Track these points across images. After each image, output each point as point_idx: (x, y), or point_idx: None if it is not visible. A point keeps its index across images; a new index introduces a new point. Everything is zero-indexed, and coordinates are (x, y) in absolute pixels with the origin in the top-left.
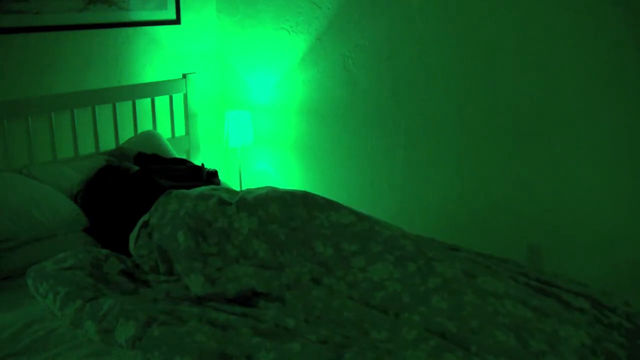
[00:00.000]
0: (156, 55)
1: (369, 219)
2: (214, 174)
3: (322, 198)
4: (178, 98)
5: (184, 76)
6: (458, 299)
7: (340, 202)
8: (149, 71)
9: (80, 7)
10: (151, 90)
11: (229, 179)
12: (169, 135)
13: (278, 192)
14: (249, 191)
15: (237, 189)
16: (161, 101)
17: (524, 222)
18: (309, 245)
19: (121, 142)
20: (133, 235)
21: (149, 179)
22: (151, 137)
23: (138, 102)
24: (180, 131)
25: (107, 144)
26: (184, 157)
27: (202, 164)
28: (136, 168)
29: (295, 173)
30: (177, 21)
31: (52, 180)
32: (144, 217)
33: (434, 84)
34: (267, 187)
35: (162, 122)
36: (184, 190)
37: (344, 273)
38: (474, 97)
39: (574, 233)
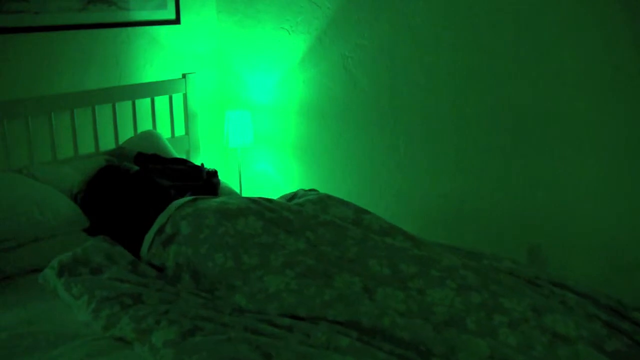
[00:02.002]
0: (156, 55)
1: (427, 245)
2: (213, 174)
3: (375, 222)
4: (178, 98)
5: (184, 76)
6: (527, 339)
7: None
8: (149, 71)
9: (80, 7)
10: (151, 90)
11: (229, 179)
12: (169, 135)
13: (328, 214)
14: (290, 209)
15: (237, 189)
16: (161, 101)
17: (524, 222)
18: (363, 263)
19: (121, 142)
20: (148, 239)
21: (149, 179)
22: (151, 137)
23: (138, 102)
24: (180, 131)
25: (107, 143)
26: (184, 157)
27: (202, 164)
28: (136, 168)
29: (295, 173)
30: (177, 21)
31: (52, 180)
32: (160, 222)
33: (434, 84)
34: (313, 197)
35: (162, 122)
36: (215, 201)
37: (402, 291)
38: (474, 97)
39: (574, 233)
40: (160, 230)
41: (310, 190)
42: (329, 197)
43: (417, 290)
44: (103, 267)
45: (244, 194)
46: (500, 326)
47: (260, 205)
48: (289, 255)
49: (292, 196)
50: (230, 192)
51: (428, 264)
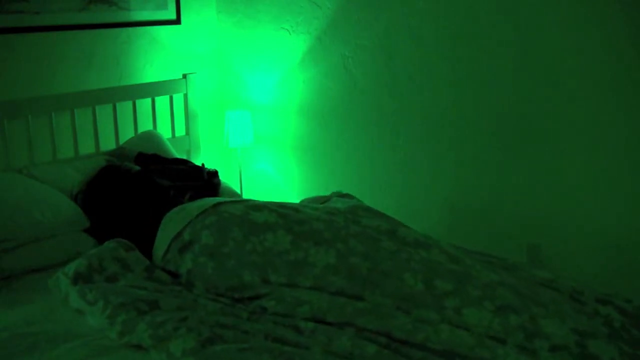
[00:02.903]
0: (156, 55)
1: (463, 260)
2: (214, 174)
3: (410, 234)
4: (178, 98)
5: (184, 76)
6: None
7: None
8: (149, 71)
9: (80, 7)
10: (151, 90)
11: (229, 179)
12: (169, 135)
13: (360, 225)
14: (320, 218)
15: (237, 189)
16: (161, 101)
17: (524, 222)
18: (396, 277)
19: (121, 142)
20: (163, 243)
21: (149, 179)
22: (151, 137)
23: (138, 102)
24: (180, 131)
25: (108, 144)
26: (184, 157)
27: (203, 164)
28: (137, 168)
29: (295, 173)
30: (177, 21)
31: (53, 180)
32: (178, 226)
33: (434, 84)
34: (345, 206)
35: (162, 122)
36: (238, 209)
37: (437, 310)
38: (474, 96)
39: (574, 233)
40: (178, 236)
41: (345, 195)
42: (361, 207)
43: (454, 309)
44: (118, 275)
45: (244, 194)
46: (541, 350)
47: (288, 219)
48: (319, 277)
49: (325, 200)
50: (231, 193)
51: (464, 280)
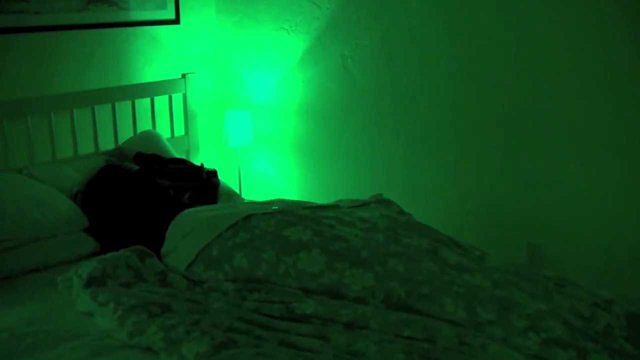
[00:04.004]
0: (156, 55)
1: (508, 286)
2: (213, 174)
3: (452, 257)
4: (177, 98)
5: (184, 76)
6: None
7: None
8: (149, 71)
9: (80, 7)
10: (151, 90)
11: (229, 179)
12: (169, 135)
13: (400, 244)
14: (359, 235)
15: (237, 189)
16: (161, 101)
17: (524, 222)
18: (436, 302)
19: (121, 142)
20: (188, 255)
21: (148, 179)
22: (151, 137)
23: (137, 102)
24: (179, 131)
25: (107, 144)
26: (184, 157)
27: (202, 164)
28: (136, 168)
29: (295, 173)
30: (176, 21)
31: (52, 180)
32: (205, 239)
33: (434, 83)
34: (384, 223)
35: (161, 122)
36: (270, 224)
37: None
38: (474, 96)
39: (574, 233)
40: (206, 248)
41: (385, 201)
42: (402, 222)
43: (496, 340)
44: (132, 284)
45: (244, 194)
46: None
47: (323, 236)
48: (353, 315)
49: (363, 204)
50: (230, 193)
51: (509, 309)
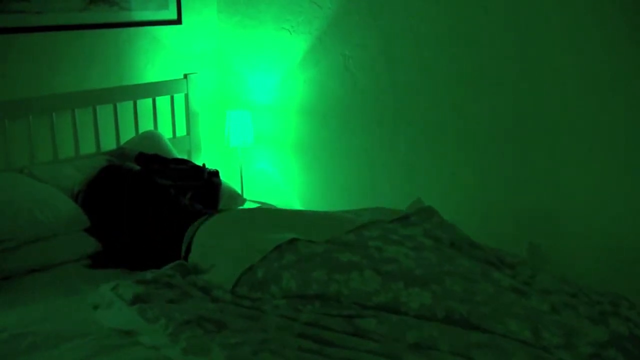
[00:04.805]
0: (157, 55)
1: (566, 309)
2: (215, 174)
3: (504, 279)
4: (179, 98)
5: (185, 76)
6: None
7: (341, 202)
8: (150, 71)
9: (81, 7)
10: (152, 90)
11: (230, 179)
12: (170, 135)
13: (453, 264)
14: (409, 255)
15: (238, 189)
16: (162, 101)
17: (524, 222)
18: (499, 321)
19: (122, 142)
20: (231, 275)
21: (150, 179)
22: (152, 137)
23: (139, 102)
24: (181, 131)
25: (108, 144)
26: (185, 157)
27: (203, 164)
28: (137, 168)
29: (295, 173)
30: (178, 21)
31: (53, 180)
32: (249, 260)
33: (434, 84)
34: (429, 243)
35: (163, 122)
36: (319, 245)
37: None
38: (474, 97)
39: (574, 233)
40: (249, 270)
41: (426, 210)
42: (445, 241)
43: None
44: (179, 301)
45: (245, 194)
46: None
47: (373, 259)
48: (419, 335)
49: (404, 216)
50: (232, 193)
51: (572, 334)
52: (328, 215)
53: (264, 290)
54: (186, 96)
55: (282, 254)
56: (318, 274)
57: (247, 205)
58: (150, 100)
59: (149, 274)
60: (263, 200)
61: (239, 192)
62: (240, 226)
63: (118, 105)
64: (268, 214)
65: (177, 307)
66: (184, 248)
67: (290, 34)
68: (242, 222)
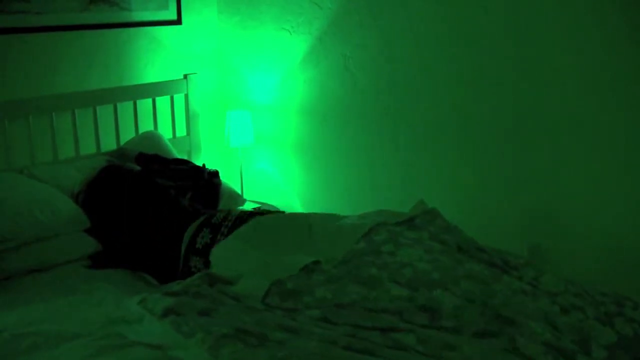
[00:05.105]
0: (157, 56)
1: (574, 311)
2: (215, 174)
3: (513, 282)
4: (179, 98)
5: (185, 76)
6: None
7: (341, 202)
8: (150, 71)
9: (81, 7)
10: (152, 90)
11: (230, 179)
12: (170, 135)
13: (464, 268)
14: (423, 258)
15: (238, 189)
16: (162, 101)
17: (524, 222)
18: (524, 324)
19: (122, 142)
20: (256, 289)
21: (150, 180)
22: (152, 137)
23: (139, 102)
24: (181, 131)
25: (108, 144)
26: (185, 157)
27: (203, 164)
28: (138, 168)
29: (296, 173)
30: (178, 21)
31: (53, 180)
32: (278, 275)
33: (434, 84)
34: (439, 244)
35: (163, 123)
36: (342, 271)
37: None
38: (474, 97)
39: (574, 233)
40: (277, 283)
41: (430, 213)
42: (451, 245)
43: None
44: (211, 310)
45: (245, 194)
46: None
47: (391, 269)
48: (461, 357)
49: (409, 219)
50: (232, 194)
51: (586, 337)
52: (335, 225)
53: (296, 300)
54: (186, 96)
55: (309, 273)
56: (351, 288)
57: (247, 205)
58: (150, 100)
59: (176, 286)
60: (263, 201)
61: (239, 192)
62: (254, 248)
63: (118, 105)
64: (276, 231)
65: (213, 320)
66: (183, 248)
67: (291, 34)
68: (254, 242)
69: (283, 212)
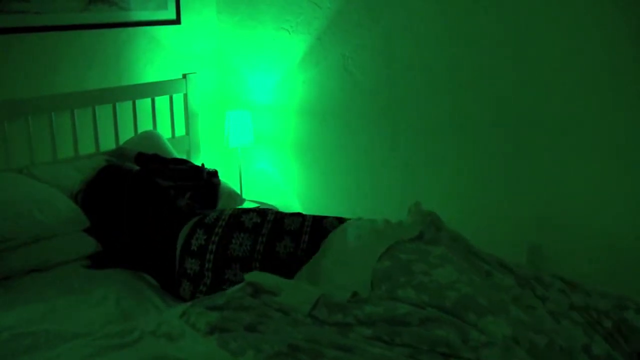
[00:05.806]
0: (156, 55)
1: (599, 339)
2: (214, 174)
3: (539, 292)
4: (178, 98)
5: (184, 76)
6: None
7: (341, 202)
8: (150, 71)
9: (81, 7)
10: (151, 90)
11: (229, 179)
12: (169, 135)
13: (499, 287)
14: (460, 280)
15: (237, 189)
16: (161, 101)
17: (524, 222)
18: (579, 351)
19: (121, 142)
20: (305, 296)
21: (149, 179)
22: (151, 137)
23: (138, 102)
24: (180, 131)
25: (108, 144)
26: (184, 157)
27: (202, 164)
28: (137, 168)
29: (295, 173)
30: (177, 21)
31: (53, 180)
32: (315, 294)
33: (434, 84)
34: (456, 263)
35: (162, 122)
36: (380, 307)
37: None
38: (474, 97)
39: (574, 233)
40: (327, 296)
41: (431, 214)
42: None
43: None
44: (258, 324)
45: (245, 194)
46: None
47: (431, 293)
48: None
49: (419, 236)
50: (231, 193)
51: (592, 333)
52: (352, 246)
53: (345, 312)
54: (185, 96)
55: (358, 305)
56: (403, 309)
57: (247, 205)
58: (149, 100)
59: (218, 299)
60: (262, 201)
61: (238, 192)
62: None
63: (117, 105)
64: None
65: (262, 336)
66: (178, 249)
67: (290, 34)
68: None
69: (282, 212)
